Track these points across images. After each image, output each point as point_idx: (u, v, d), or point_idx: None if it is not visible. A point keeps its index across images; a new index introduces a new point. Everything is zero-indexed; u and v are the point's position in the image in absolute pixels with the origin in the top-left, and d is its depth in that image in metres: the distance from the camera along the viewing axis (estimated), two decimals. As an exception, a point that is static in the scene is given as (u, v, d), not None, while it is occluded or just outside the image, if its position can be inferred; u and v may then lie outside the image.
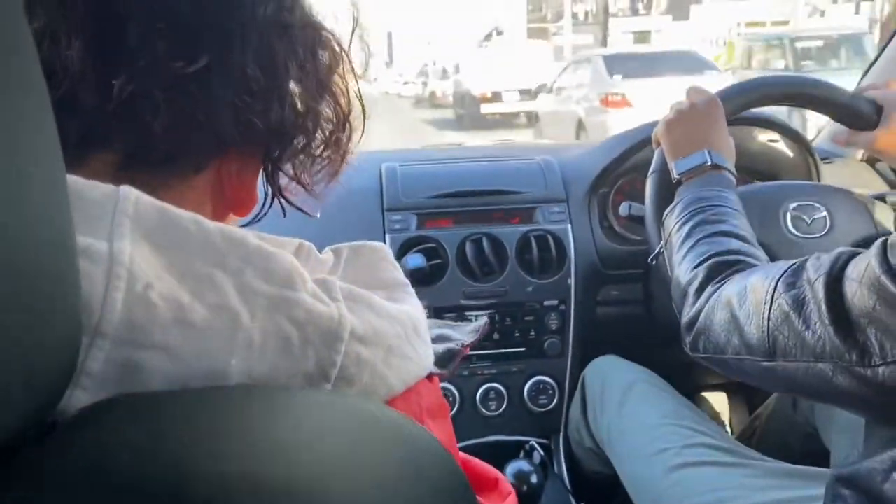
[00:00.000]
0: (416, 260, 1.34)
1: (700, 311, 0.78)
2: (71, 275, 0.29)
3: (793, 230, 1.10)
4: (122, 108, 0.41)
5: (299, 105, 0.47)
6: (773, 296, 0.66)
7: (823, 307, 0.59)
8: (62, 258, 0.28)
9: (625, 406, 1.19)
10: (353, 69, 0.50)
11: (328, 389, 0.39)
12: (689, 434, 1.07)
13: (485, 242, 1.37)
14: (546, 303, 1.38)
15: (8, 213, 0.25)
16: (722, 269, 0.80)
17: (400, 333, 0.43)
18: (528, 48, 20.35)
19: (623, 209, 1.25)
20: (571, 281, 1.38)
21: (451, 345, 0.52)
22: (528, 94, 13.67)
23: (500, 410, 1.40)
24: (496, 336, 1.39)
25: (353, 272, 0.47)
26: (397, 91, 26.89)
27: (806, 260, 0.66)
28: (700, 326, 0.78)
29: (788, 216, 1.11)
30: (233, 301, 0.37)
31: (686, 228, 0.90)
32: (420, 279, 1.34)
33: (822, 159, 1.46)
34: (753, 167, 1.45)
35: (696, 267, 0.83)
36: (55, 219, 0.28)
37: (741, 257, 0.81)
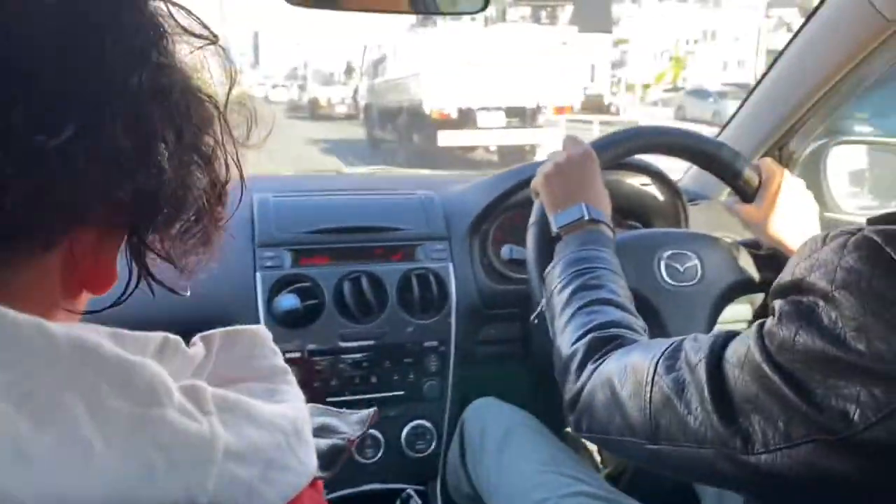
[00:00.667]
0: (289, 301, 1.27)
1: (581, 389, 0.78)
2: None
3: (667, 279, 1.13)
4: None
5: (171, 175, 0.40)
6: (653, 377, 0.66)
7: (706, 392, 0.59)
8: None
9: (504, 452, 1.18)
10: (230, 134, 0.45)
11: None
12: (568, 482, 1.07)
13: (364, 281, 1.32)
14: (426, 344, 1.35)
15: None
16: (601, 345, 0.80)
17: (280, 443, 0.38)
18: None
19: (505, 252, 1.25)
20: (452, 321, 1.36)
21: (336, 440, 0.47)
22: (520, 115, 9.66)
23: (377, 458, 1.36)
24: (374, 380, 1.34)
25: (226, 363, 0.43)
26: (264, 94, 24.91)
27: (683, 340, 0.67)
28: (582, 405, 0.78)
29: (662, 265, 1.14)
30: (84, 428, 0.31)
31: (566, 293, 0.91)
32: (293, 321, 1.27)
33: (689, 201, 1.53)
34: (626, 209, 1.49)
35: (576, 341, 0.83)
36: None
37: (620, 331, 0.82)
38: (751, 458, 0.55)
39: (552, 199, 1.05)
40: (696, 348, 0.63)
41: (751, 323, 1.26)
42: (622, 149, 1.17)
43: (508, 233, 1.48)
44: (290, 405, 0.42)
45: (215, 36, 0.42)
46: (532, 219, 1.11)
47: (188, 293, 0.47)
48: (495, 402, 1.29)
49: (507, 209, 1.47)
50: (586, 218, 1.00)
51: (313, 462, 0.42)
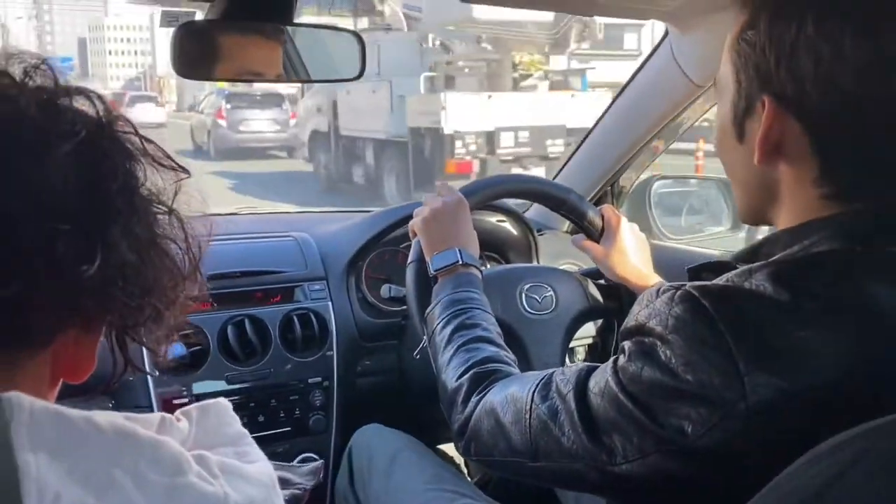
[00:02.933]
0: (176, 349, 1.29)
1: (468, 419, 0.90)
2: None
3: (528, 308, 1.29)
4: (7, 306, 0.41)
5: (155, 277, 0.49)
6: (531, 406, 0.79)
7: (575, 417, 0.72)
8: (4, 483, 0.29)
9: (391, 474, 1.27)
10: (185, 232, 0.54)
11: None
12: (451, 497, 1.19)
13: (247, 324, 1.38)
14: (310, 380, 1.43)
15: None
16: (482, 379, 0.92)
17: (266, 497, 0.48)
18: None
19: (384, 291, 1.36)
20: (333, 356, 1.45)
21: (294, 490, 0.57)
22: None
23: None
24: (261, 419, 1.39)
25: (203, 431, 0.51)
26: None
27: (553, 374, 0.80)
28: (469, 434, 0.89)
29: (523, 296, 1.30)
30: (134, 497, 0.39)
31: (447, 332, 1.03)
32: (179, 368, 1.30)
33: (538, 231, 1.71)
34: (486, 244, 1.64)
35: (459, 377, 0.95)
36: None
37: (497, 365, 0.95)
38: (615, 469, 0.69)
39: (429, 242, 1.17)
40: (564, 381, 0.77)
41: (593, 339, 1.46)
42: (489, 193, 1.33)
43: (379, 268, 1.59)
44: (262, 464, 0.52)
45: (186, 170, 0.52)
46: (411, 257, 1.22)
47: (157, 373, 0.55)
48: (380, 427, 1.39)
49: (378, 247, 1.58)
50: (460, 262, 1.13)
51: None
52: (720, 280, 0.67)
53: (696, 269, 0.77)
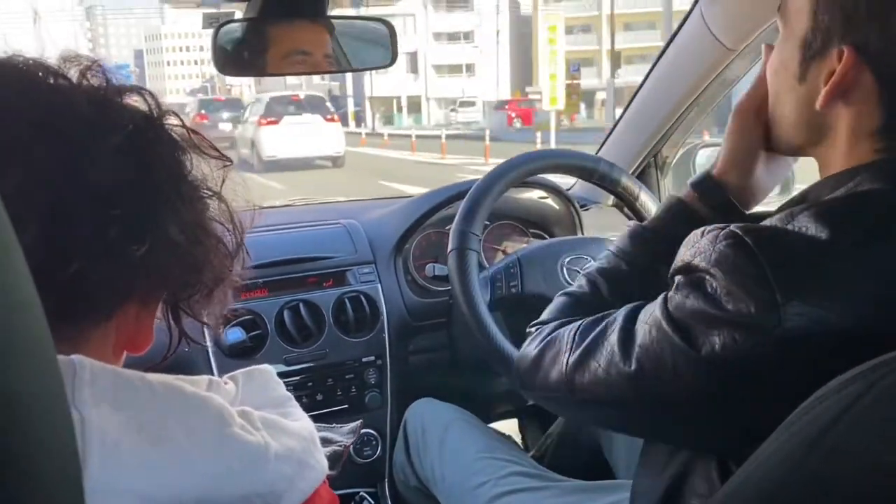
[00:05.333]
0: (235, 334, 1.37)
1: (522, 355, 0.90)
2: (70, 452, 0.34)
3: (570, 281, 1.32)
4: (70, 283, 0.46)
5: (202, 255, 0.54)
6: (573, 343, 0.80)
7: (616, 345, 0.73)
8: (62, 430, 0.34)
9: (444, 445, 1.33)
10: (232, 217, 0.59)
11: None
12: (503, 465, 1.23)
13: (302, 308, 1.45)
14: (364, 359, 1.49)
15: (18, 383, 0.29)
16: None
17: (306, 448, 0.53)
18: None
19: (429, 270, 1.41)
20: (385, 336, 1.50)
21: (335, 447, 0.62)
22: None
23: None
24: (319, 397, 1.46)
25: (249, 394, 0.57)
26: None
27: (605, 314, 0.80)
28: (518, 368, 0.90)
29: (565, 270, 1.33)
30: (184, 444, 0.44)
31: None
32: (240, 353, 1.38)
33: (582, 206, 1.73)
34: (530, 221, 1.68)
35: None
36: (54, 392, 0.33)
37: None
38: (646, 390, 0.70)
39: None
40: (612, 318, 0.77)
41: None
42: (522, 172, 1.36)
43: (427, 250, 1.64)
44: (305, 422, 0.57)
45: (228, 158, 0.57)
46: (451, 245, 1.29)
47: (209, 344, 0.61)
48: (432, 401, 1.44)
49: (423, 229, 1.63)
50: None
51: (325, 463, 0.57)
52: (765, 222, 0.68)
53: (750, 217, 0.78)
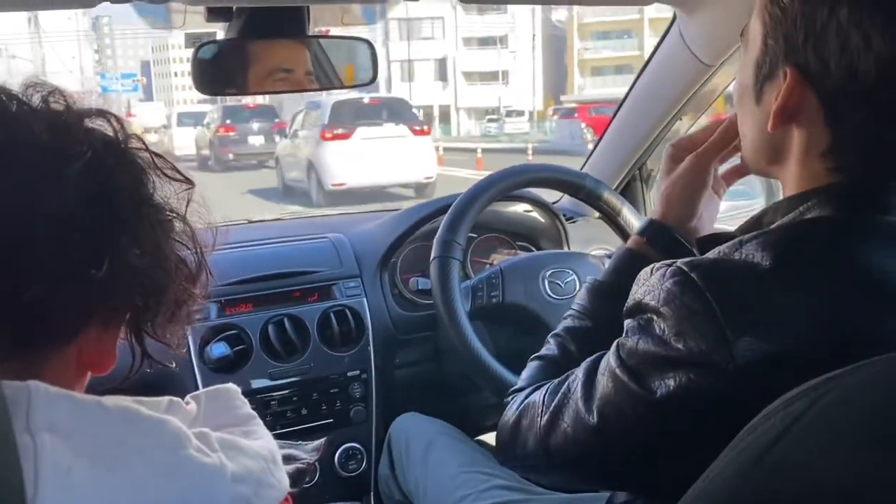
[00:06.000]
0: (219, 349, 1.38)
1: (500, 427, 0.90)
2: (16, 476, 0.36)
3: (551, 294, 1.33)
4: (29, 308, 0.47)
5: (164, 277, 0.56)
6: (542, 408, 0.81)
7: (580, 402, 0.75)
8: (7, 461, 0.35)
9: (427, 459, 1.33)
10: (193, 235, 0.60)
11: None
12: (485, 479, 1.24)
13: (287, 323, 1.46)
14: (349, 373, 1.49)
15: None
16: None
17: (264, 467, 0.54)
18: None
19: (413, 284, 1.42)
20: (371, 350, 1.51)
21: (298, 465, 0.63)
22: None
23: (314, 482, 1.48)
24: (304, 411, 1.47)
25: (212, 414, 0.57)
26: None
27: (568, 374, 0.82)
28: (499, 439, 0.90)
29: (546, 282, 1.34)
30: (138, 469, 0.45)
31: None
32: (225, 367, 1.39)
33: (568, 219, 1.74)
34: (516, 234, 1.70)
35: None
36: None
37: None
38: (611, 438, 0.72)
39: None
40: (574, 376, 0.79)
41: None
42: (506, 185, 1.38)
43: (414, 263, 1.65)
44: (265, 441, 0.57)
45: (190, 181, 0.58)
46: (433, 253, 1.29)
47: (174, 365, 0.62)
48: (417, 415, 1.44)
49: (410, 242, 1.64)
50: None
51: (286, 482, 0.57)
52: (711, 253, 0.70)
53: (706, 239, 0.80)
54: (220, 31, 1.16)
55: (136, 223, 0.54)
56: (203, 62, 1.09)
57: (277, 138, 14.74)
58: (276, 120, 16.70)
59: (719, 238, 0.76)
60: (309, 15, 1.13)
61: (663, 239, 0.91)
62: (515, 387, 0.94)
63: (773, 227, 0.71)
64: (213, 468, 0.49)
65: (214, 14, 1.06)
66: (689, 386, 0.65)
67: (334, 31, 1.30)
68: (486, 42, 38.08)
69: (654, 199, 1.86)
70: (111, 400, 0.48)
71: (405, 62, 35.31)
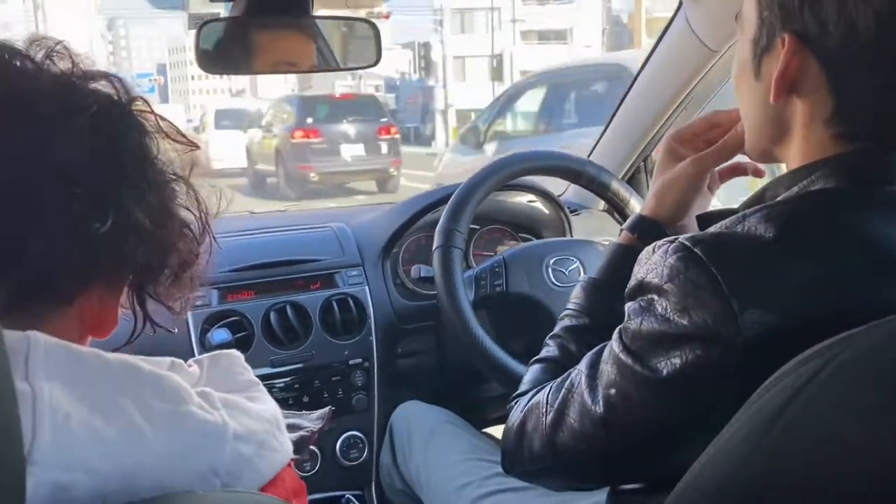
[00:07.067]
0: (220, 335, 1.37)
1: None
2: (14, 421, 0.35)
3: (555, 281, 1.32)
4: (31, 262, 0.46)
5: (168, 239, 0.55)
6: (546, 407, 0.80)
7: (585, 393, 0.74)
8: (4, 406, 0.34)
9: (430, 447, 1.32)
10: (199, 202, 0.59)
11: (217, 484, 0.47)
12: (488, 466, 1.23)
13: (289, 310, 1.44)
14: (351, 362, 1.48)
15: None
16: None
17: (268, 430, 0.53)
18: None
19: (414, 272, 1.41)
20: (373, 338, 1.50)
21: (302, 432, 0.62)
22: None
23: (315, 470, 1.47)
24: (305, 399, 1.45)
25: (214, 378, 0.57)
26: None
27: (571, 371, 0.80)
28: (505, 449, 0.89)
29: (550, 270, 1.33)
30: (137, 420, 0.44)
31: None
32: None
33: (572, 212, 1.73)
34: (519, 224, 1.69)
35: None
36: None
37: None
38: (617, 421, 0.70)
39: None
40: (577, 369, 0.78)
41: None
42: (508, 173, 1.37)
43: (416, 253, 1.64)
44: (269, 405, 0.56)
45: (195, 144, 0.57)
46: (436, 243, 1.28)
47: (176, 330, 0.61)
48: (418, 404, 1.43)
49: (412, 233, 1.63)
50: None
51: (290, 447, 0.56)
52: (714, 228, 0.69)
53: (706, 216, 0.79)
54: (222, 11, 1.15)
55: (140, 181, 0.54)
56: (205, 41, 1.08)
57: (384, 148, 11.11)
58: (383, 120, 11.40)
59: (721, 214, 0.75)
60: (312, -4, 1.12)
61: (655, 236, 0.90)
62: (518, 391, 0.92)
63: (776, 200, 0.70)
64: (215, 425, 0.48)
65: (217, -8, 1.06)
66: (696, 362, 0.64)
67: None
68: (546, 36, 32.29)
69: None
70: (113, 354, 0.47)
71: (456, 59, 30.25)
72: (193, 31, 1.09)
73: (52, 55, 0.53)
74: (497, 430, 1.88)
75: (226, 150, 12.58)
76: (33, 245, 0.47)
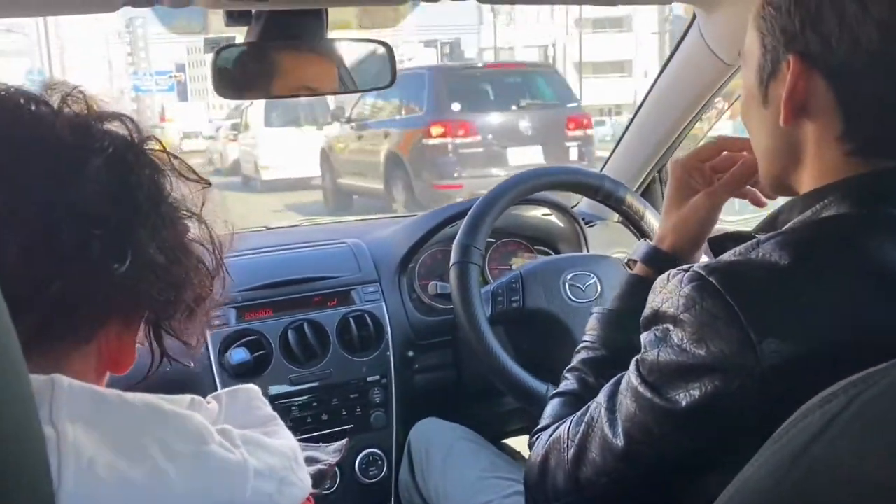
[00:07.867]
0: (239, 354, 1.38)
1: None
2: (43, 467, 0.35)
3: (572, 297, 1.32)
4: (51, 303, 0.47)
5: (184, 275, 0.55)
6: (567, 442, 0.79)
7: (605, 426, 0.73)
8: (32, 450, 0.35)
9: (448, 464, 1.32)
10: (211, 238, 0.60)
11: None
12: (507, 484, 1.23)
13: (306, 328, 1.45)
14: (369, 379, 1.49)
15: None
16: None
17: (287, 465, 0.53)
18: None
19: (432, 288, 1.41)
20: (390, 355, 1.50)
21: (320, 466, 0.62)
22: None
23: (334, 488, 1.47)
24: (324, 417, 1.46)
25: (233, 414, 0.57)
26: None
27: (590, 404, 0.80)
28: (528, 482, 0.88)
29: (567, 286, 1.33)
30: (161, 462, 0.45)
31: None
32: (245, 372, 1.38)
33: (586, 223, 1.73)
34: (535, 238, 1.69)
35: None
36: (24, 413, 0.34)
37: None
38: (641, 456, 0.70)
39: None
40: (596, 402, 0.77)
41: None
42: (525, 188, 1.37)
43: (432, 268, 1.64)
44: (288, 440, 0.57)
45: (206, 181, 0.58)
46: (453, 259, 1.28)
47: (192, 364, 0.62)
48: (436, 421, 1.43)
49: (429, 247, 1.63)
50: None
51: (309, 481, 0.57)
52: (728, 255, 0.69)
53: (718, 239, 0.79)
54: (238, 36, 1.16)
55: (156, 219, 0.54)
56: (222, 66, 1.09)
57: (574, 153, 7.34)
58: (572, 105, 7.71)
59: (731, 237, 0.75)
60: (327, 18, 1.13)
61: (668, 265, 0.90)
62: (539, 426, 0.92)
63: (789, 226, 0.70)
64: (236, 463, 0.49)
65: (234, 18, 1.07)
66: (716, 393, 0.64)
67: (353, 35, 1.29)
68: (600, 24, 28.55)
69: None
70: (134, 395, 0.48)
71: (501, 50, 26.78)
72: (213, 32, 1.10)
73: (67, 99, 0.54)
74: (514, 441, 1.89)
75: (279, 157, 10.37)
76: (54, 286, 0.48)
